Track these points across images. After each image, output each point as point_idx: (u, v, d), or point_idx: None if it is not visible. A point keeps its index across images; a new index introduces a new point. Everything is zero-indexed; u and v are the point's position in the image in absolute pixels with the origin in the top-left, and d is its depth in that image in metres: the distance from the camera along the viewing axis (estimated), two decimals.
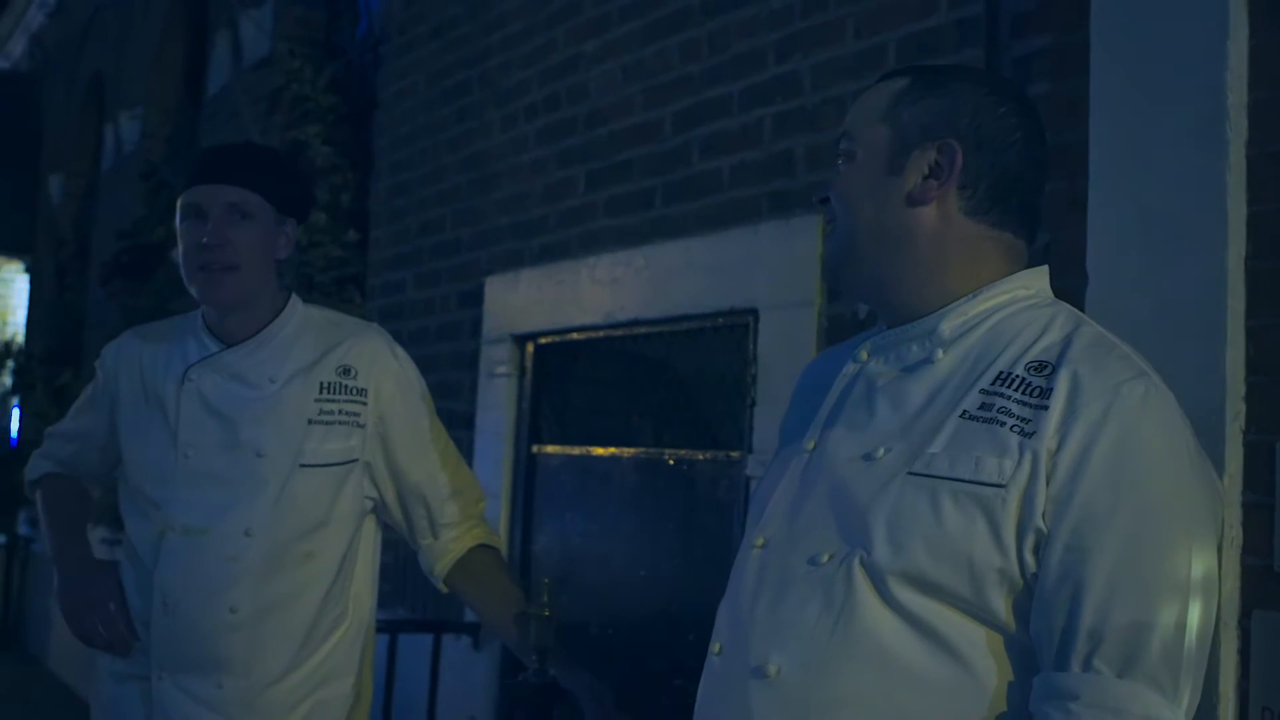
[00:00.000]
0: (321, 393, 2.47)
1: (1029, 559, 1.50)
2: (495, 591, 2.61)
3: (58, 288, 10.38)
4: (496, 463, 4.13)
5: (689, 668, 2.72)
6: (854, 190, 1.69)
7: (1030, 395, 1.53)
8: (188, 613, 2.40)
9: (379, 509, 2.56)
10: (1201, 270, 1.88)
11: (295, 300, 2.56)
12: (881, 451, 1.60)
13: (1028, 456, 1.50)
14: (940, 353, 1.63)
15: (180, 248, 2.44)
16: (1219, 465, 1.79)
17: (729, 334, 3.32)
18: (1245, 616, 1.80)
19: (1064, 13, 2.25)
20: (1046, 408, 1.51)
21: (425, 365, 2.67)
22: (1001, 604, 1.52)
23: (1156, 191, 1.96)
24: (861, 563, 1.55)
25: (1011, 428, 1.52)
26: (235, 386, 2.47)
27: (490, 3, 4.49)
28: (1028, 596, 1.51)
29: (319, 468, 2.44)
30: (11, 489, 10.13)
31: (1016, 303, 1.64)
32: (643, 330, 3.63)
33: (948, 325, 1.63)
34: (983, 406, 1.55)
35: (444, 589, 2.63)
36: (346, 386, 2.48)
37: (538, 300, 4.03)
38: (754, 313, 3.16)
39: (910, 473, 1.55)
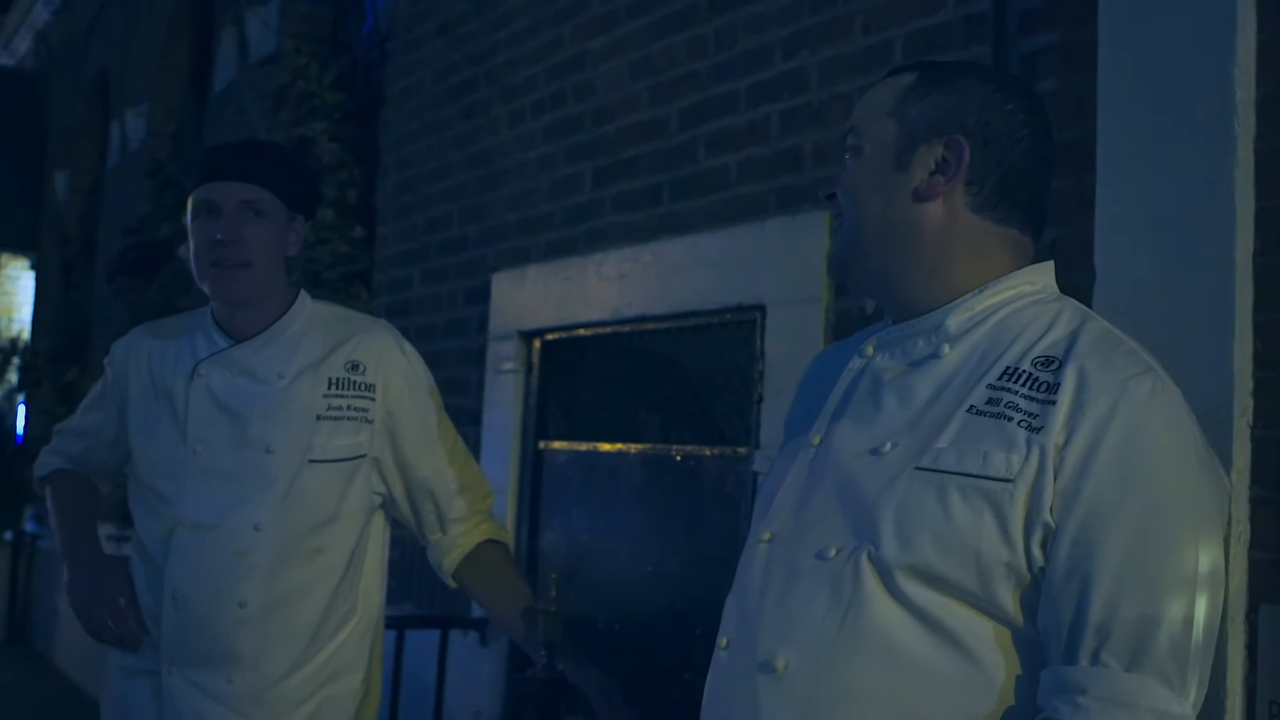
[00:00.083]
0: (330, 388, 2.47)
1: (1036, 553, 1.50)
2: (503, 587, 2.62)
3: (63, 285, 10.39)
4: (503, 459, 4.14)
5: (696, 663, 2.73)
6: (861, 185, 1.70)
7: (1037, 390, 1.53)
8: (197, 608, 2.40)
9: (388, 504, 2.57)
10: (1209, 265, 1.88)
11: (304, 296, 2.57)
12: (888, 446, 1.60)
13: (1035, 451, 1.50)
14: (946, 348, 1.64)
15: (192, 244, 2.45)
16: (1227, 460, 1.79)
17: (736, 330, 3.32)
18: (1253, 611, 1.80)
19: (1071, 9, 2.25)
20: (1054, 403, 1.51)
21: (432, 361, 2.67)
22: (1009, 598, 1.52)
23: (1164, 187, 1.96)
24: (869, 557, 1.55)
25: (1019, 423, 1.52)
26: (244, 382, 2.47)
27: (497, 0, 4.49)
28: (1035, 591, 1.52)
29: (328, 463, 2.45)
30: (17, 486, 10.15)
31: (1023, 298, 1.65)
32: (650, 326, 3.63)
33: (954, 321, 1.64)
34: (990, 401, 1.56)
35: (452, 584, 2.64)
36: (355, 382, 2.49)
37: (545, 296, 4.03)
38: (761, 309, 3.16)
39: (918, 468, 1.56)
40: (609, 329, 3.81)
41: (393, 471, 2.52)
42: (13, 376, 11.74)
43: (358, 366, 2.50)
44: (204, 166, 2.47)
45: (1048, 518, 1.49)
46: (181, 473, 2.45)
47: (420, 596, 4.36)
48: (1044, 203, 1.71)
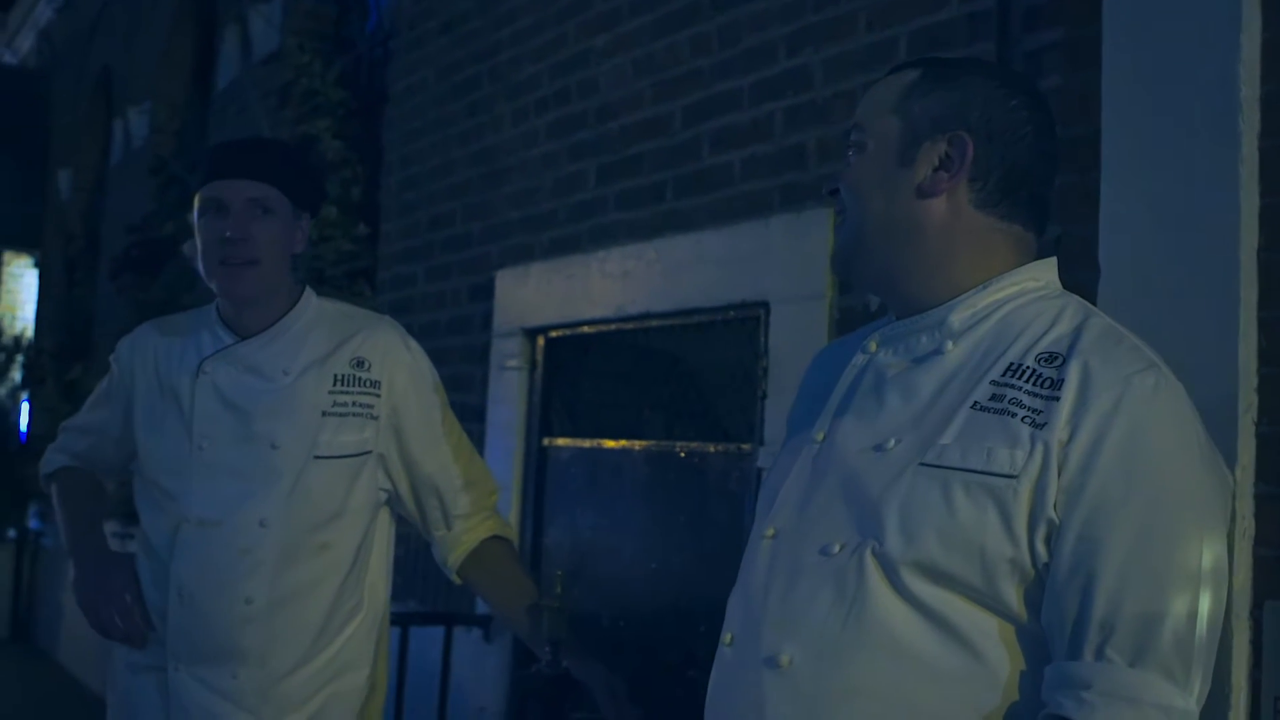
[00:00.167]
0: (335, 385, 2.48)
1: (1040, 549, 1.51)
2: (508, 583, 2.62)
3: (67, 282, 10.39)
4: (507, 456, 4.14)
5: (701, 659, 2.73)
6: (864, 182, 1.70)
7: (1041, 386, 1.54)
8: (203, 604, 2.41)
9: (393, 500, 2.57)
10: (1214, 262, 1.88)
11: (309, 293, 2.57)
12: (892, 442, 1.61)
13: (1039, 447, 1.50)
14: (950, 344, 1.64)
15: (199, 242, 2.45)
16: (1231, 457, 1.80)
17: (740, 327, 3.33)
18: (1257, 607, 1.80)
19: (1076, 6, 2.25)
20: (1058, 399, 1.52)
21: (436, 359, 2.68)
22: (1013, 594, 1.53)
23: (1169, 184, 1.96)
24: (874, 553, 1.56)
25: (1023, 419, 1.53)
26: (250, 379, 2.48)
27: None
28: (1039, 586, 1.52)
29: (333, 459, 2.46)
30: (21, 483, 10.16)
31: (1026, 294, 1.65)
32: (654, 323, 3.63)
33: (957, 317, 1.64)
34: (994, 398, 1.56)
35: (457, 580, 2.64)
36: (360, 379, 2.49)
37: (548, 294, 4.03)
38: (765, 306, 3.17)
39: (922, 463, 1.56)
40: (613, 326, 3.81)
41: (398, 468, 2.53)
42: (16, 374, 11.74)
43: (363, 363, 2.50)
44: (211, 164, 2.47)
45: (1052, 514, 1.50)
46: (187, 469, 2.45)
47: (424, 593, 4.37)
48: (1047, 199, 1.72)
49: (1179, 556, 1.49)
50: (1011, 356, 1.59)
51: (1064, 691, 1.48)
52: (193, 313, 2.64)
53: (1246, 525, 1.81)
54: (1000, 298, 1.65)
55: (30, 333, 12.34)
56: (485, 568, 2.62)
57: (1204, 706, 1.51)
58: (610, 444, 3.80)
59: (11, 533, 10.42)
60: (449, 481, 2.56)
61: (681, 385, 3.59)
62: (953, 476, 1.54)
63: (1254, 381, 1.84)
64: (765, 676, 1.60)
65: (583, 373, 4.04)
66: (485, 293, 4.40)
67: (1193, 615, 1.48)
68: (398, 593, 2.66)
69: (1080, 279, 1.99)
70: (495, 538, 2.62)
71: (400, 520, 2.64)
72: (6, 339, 12.19)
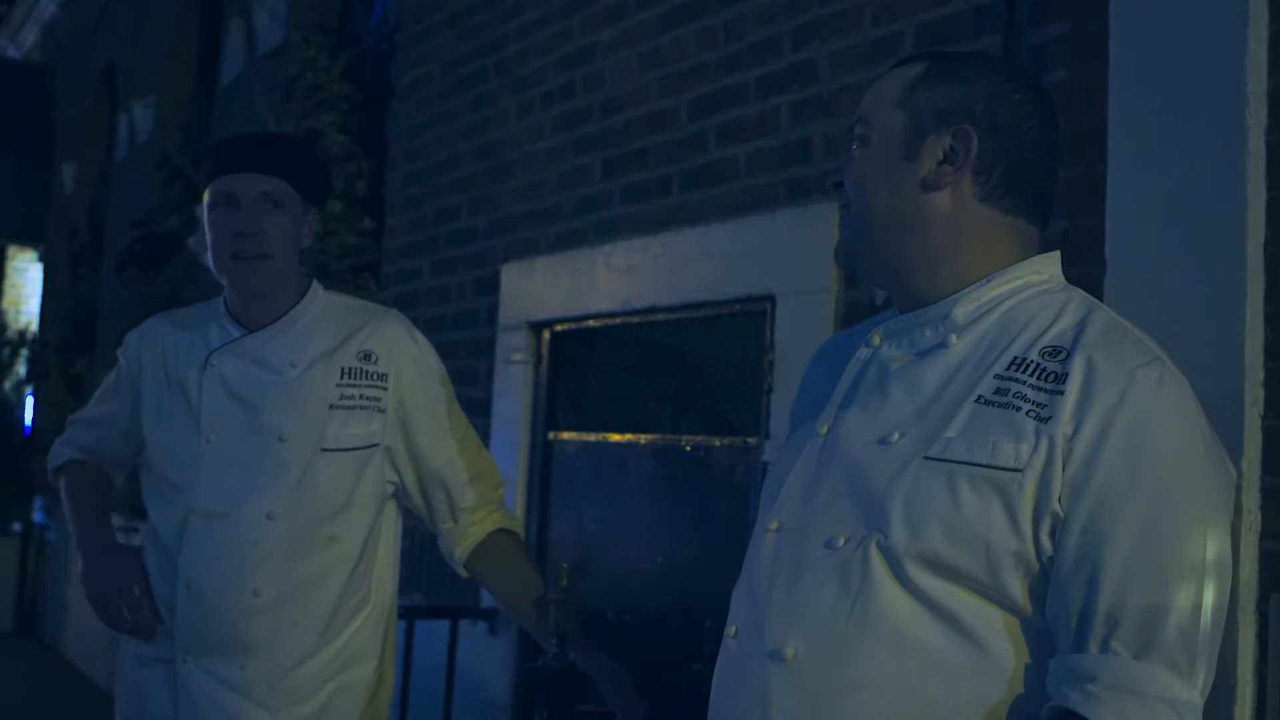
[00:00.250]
0: (342, 378, 2.49)
1: (1045, 542, 1.51)
2: (515, 576, 2.63)
3: (71, 276, 10.39)
4: (513, 450, 4.14)
5: (706, 652, 2.73)
6: (869, 175, 1.70)
7: (1045, 380, 1.54)
8: (211, 596, 2.42)
9: (400, 493, 2.58)
10: (1220, 256, 1.89)
11: (316, 286, 2.58)
12: (897, 436, 1.61)
13: (1044, 441, 1.51)
14: (954, 338, 1.64)
15: (210, 236, 2.46)
16: (1238, 450, 1.80)
17: (746, 321, 3.33)
18: (1263, 600, 1.81)
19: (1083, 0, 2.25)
20: (1062, 393, 1.52)
21: (441, 352, 2.68)
22: (1018, 587, 1.53)
23: (1175, 178, 1.96)
24: (878, 546, 1.56)
25: (1027, 413, 1.53)
26: (257, 372, 2.49)
27: None
28: (1043, 580, 1.52)
29: (340, 452, 2.46)
30: (26, 477, 10.17)
31: (1030, 288, 1.65)
32: (660, 317, 3.63)
33: (961, 310, 1.64)
34: (998, 391, 1.56)
35: (464, 573, 2.65)
36: (367, 371, 2.50)
37: (554, 287, 4.03)
38: (771, 299, 3.17)
39: (927, 457, 1.56)
40: (618, 320, 3.81)
41: (405, 461, 2.53)
42: (21, 368, 11.76)
43: (370, 356, 2.51)
44: (220, 158, 2.48)
45: (1056, 507, 1.50)
46: (195, 462, 2.46)
47: (430, 587, 4.37)
48: (1051, 193, 1.72)
49: (1183, 549, 1.49)
50: (1016, 350, 1.59)
51: (1069, 684, 1.48)
52: (200, 306, 2.64)
53: (1253, 519, 1.81)
54: (1004, 291, 1.65)
55: (34, 327, 12.36)
56: (492, 561, 2.62)
57: (1210, 701, 1.52)
58: (616, 438, 3.80)
59: (17, 526, 10.43)
60: (455, 475, 2.57)
61: (687, 379, 3.59)
62: (957, 470, 1.54)
63: (1260, 375, 1.85)
64: (770, 669, 1.60)
65: (588, 366, 4.05)
66: (490, 287, 4.40)
67: (1197, 607, 1.48)
68: (403, 586, 2.66)
69: (1087, 272, 1.99)
70: (502, 531, 2.63)
71: (405, 514, 2.64)
72: (11, 333, 12.21)
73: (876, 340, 1.72)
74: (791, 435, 1.83)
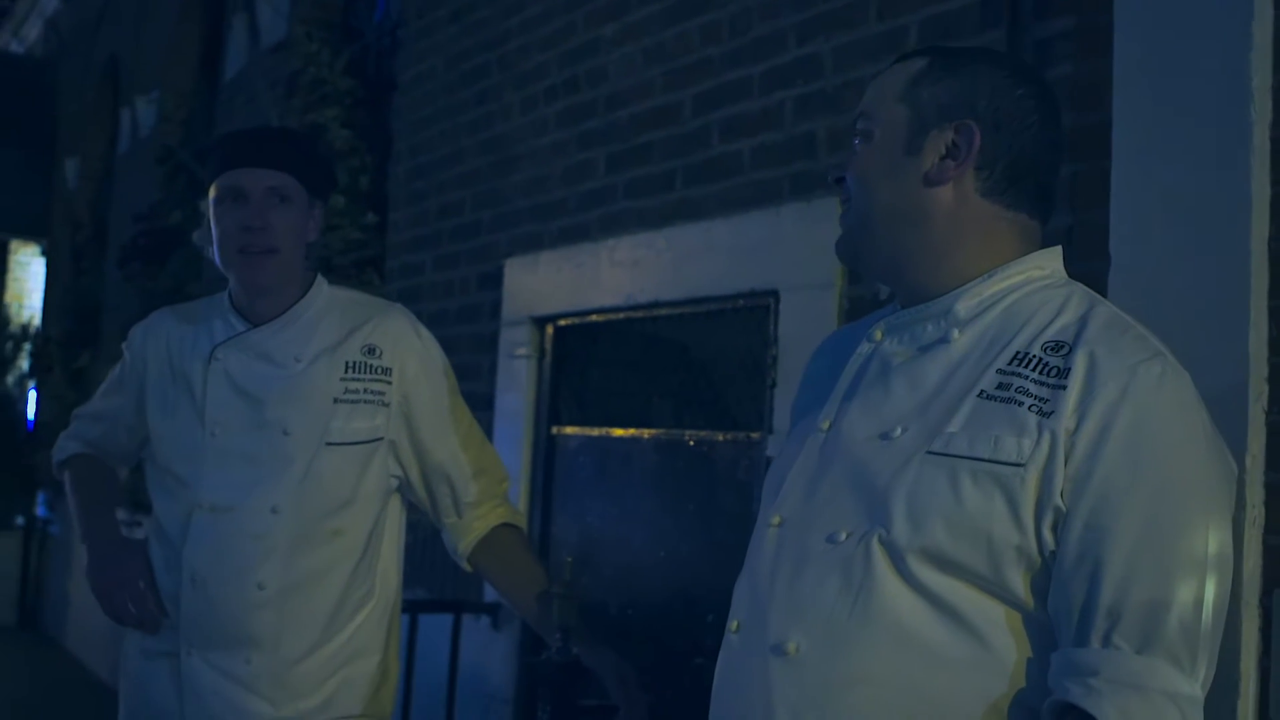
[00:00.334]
0: (347, 372, 2.49)
1: (1047, 537, 1.51)
2: (519, 570, 2.63)
3: (74, 271, 10.41)
4: (516, 444, 4.15)
5: (708, 647, 2.74)
6: (871, 170, 1.70)
7: (1048, 375, 1.54)
8: (216, 590, 2.42)
9: (404, 488, 2.58)
10: (1224, 252, 1.89)
11: (321, 281, 2.58)
12: (899, 431, 1.61)
13: (1046, 436, 1.51)
14: (956, 333, 1.64)
15: (216, 230, 2.46)
16: (1241, 445, 1.80)
17: (749, 315, 3.33)
18: (1266, 595, 1.81)
19: None
20: (1064, 388, 1.52)
21: (445, 347, 2.68)
22: (1020, 582, 1.53)
23: (1179, 173, 1.96)
24: (880, 541, 1.56)
25: (1030, 407, 1.53)
26: (262, 365, 2.49)
27: None
28: (1045, 574, 1.53)
29: (345, 446, 2.47)
30: (29, 471, 10.19)
31: (1031, 283, 1.65)
32: (663, 312, 3.63)
33: (963, 305, 1.65)
34: (1000, 386, 1.56)
35: (468, 568, 2.65)
36: (371, 366, 2.50)
37: (557, 282, 4.04)
38: (774, 294, 3.17)
39: (929, 452, 1.57)
40: (622, 315, 3.81)
41: (409, 455, 2.54)
42: (24, 362, 11.78)
43: (374, 350, 2.51)
44: (227, 153, 2.48)
45: (1058, 502, 1.50)
46: (199, 455, 2.47)
47: (432, 581, 4.38)
48: (1053, 188, 1.72)
49: (1185, 544, 1.49)
50: (1018, 345, 1.59)
51: (1071, 678, 1.49)
52: (205, 300, 2.65)
53: (1256, 514, 1.81)
54: (1006, 286, 1.65)
55: (37, 321, 12.37)
56: (496, 555, 2.63)
57: (1213, 696, 1.52)
58: (619, 432, 3.81)
59: (19, 520, 10.45)
60: (459, 469, 2.57)
61: (690, 374, 3.59)
62: (960, 465, 1.54)
63: (1264, 370, 1.85)
64: (772, 664, 1.60)
65: (591, 361, 4.05)
66: (494, 281, 4.41)
67: (1199, 602, 1.49)
68: (406, 580, 2.66)
69: (1091, 268, 1.99)
70: (506, 525, 2.63)
71: (413, 507, 2.65)
72: (14, 327, 12.23)
73: (878, 335, 1.72)
74: (793, 430, 1.84)
